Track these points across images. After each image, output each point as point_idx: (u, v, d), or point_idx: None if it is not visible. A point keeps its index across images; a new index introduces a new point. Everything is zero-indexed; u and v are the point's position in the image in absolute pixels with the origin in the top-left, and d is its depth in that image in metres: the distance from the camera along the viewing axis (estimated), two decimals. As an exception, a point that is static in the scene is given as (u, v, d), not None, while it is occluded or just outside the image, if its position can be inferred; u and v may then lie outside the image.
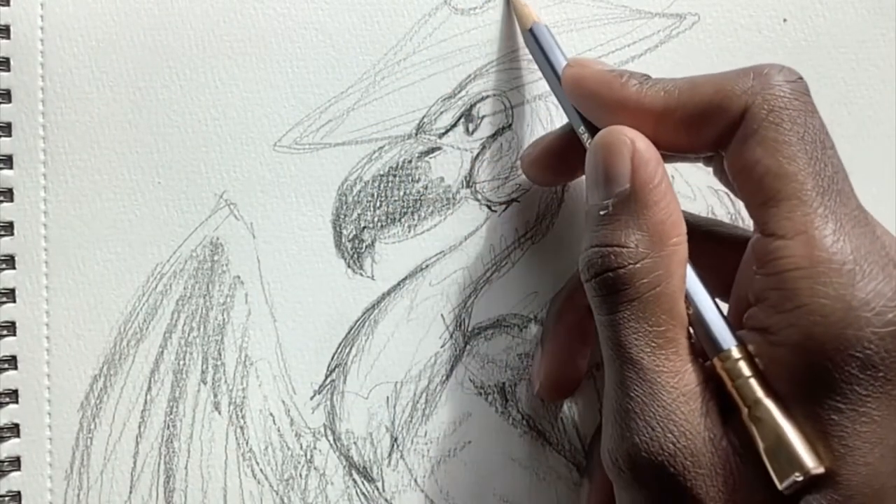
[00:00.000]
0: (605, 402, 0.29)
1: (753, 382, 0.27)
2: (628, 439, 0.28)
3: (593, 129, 0.31)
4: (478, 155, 0.37)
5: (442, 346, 0.36)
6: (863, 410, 0.25)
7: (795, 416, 0.26)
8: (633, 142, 0.29)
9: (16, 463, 0.33)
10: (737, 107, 0.28)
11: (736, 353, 0.27)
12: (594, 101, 0.31)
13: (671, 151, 0.30)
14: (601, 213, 0.29)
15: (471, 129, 0.37)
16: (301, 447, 0.35)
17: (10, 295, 0.34)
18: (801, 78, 0.29)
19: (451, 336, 0.37)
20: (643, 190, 0.28)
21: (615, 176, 0.29)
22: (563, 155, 0.34)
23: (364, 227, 0.36)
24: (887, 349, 0.25)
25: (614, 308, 0.28)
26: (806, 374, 0.26)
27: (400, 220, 0.36)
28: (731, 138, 0.28)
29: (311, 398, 0.36)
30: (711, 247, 0.32)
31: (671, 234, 0.28)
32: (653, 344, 0.27)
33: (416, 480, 0.36)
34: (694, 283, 0.29)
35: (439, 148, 0.36)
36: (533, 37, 0.34)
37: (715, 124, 0.29)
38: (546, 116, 0.37)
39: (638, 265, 0.28)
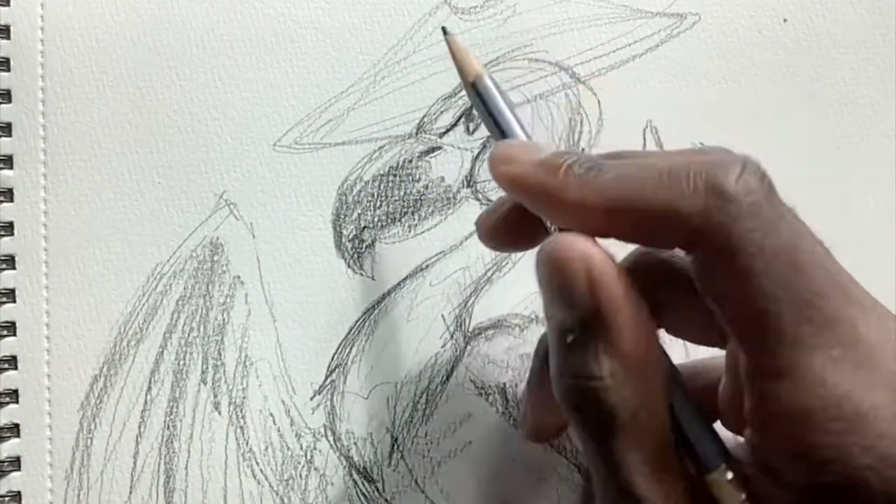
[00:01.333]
0: None
1: None
2: None
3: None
4: (478, 154, 0.37)
5: (442, 347, 0.36)
6: None
7: None
8: (586, 258, 0.25)
9: (16, 463, 0.33)
10: (687, 229, 0.24)
11: (728, 475, 0.26)
12: (532, 203, 0.27)
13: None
14: (567, 339, 0.26)
15: (471, 129, 0.37)
16: (301, 447, 0.35)
17: (10, 295, 0.34)
18: (763, 177, 0.25)
19: (452, 336, 0.37)
20: (607, 313, 0.25)
21: (573, 298, 0.25)
22: (520, 227, 0.29)
23: (364, 227, 0.36)
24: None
25: (603, 438, 0.25)
26: None
27: (400, 219, 0.36)
28: (689, 250, 0.25)
29: (312, 398, 0.35)
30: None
31: (647, 353, 0.25)
32: (644, 470, 0.25)
33: (416, 481, 0.36)
34: (678, 399, 0.27)
35: (440, 147, 0.36)
36: (476, 92, 0.30)
37: (666, 240, 0.26)
38: (546, 116, 0.37)
39: (618, 396, 0.25)
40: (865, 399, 0.23)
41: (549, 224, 0.28)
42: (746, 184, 0.24)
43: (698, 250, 0.25)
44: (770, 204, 0.25)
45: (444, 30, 0.31)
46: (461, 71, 0.30)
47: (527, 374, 0.34)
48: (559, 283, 0.26)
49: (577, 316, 0.25)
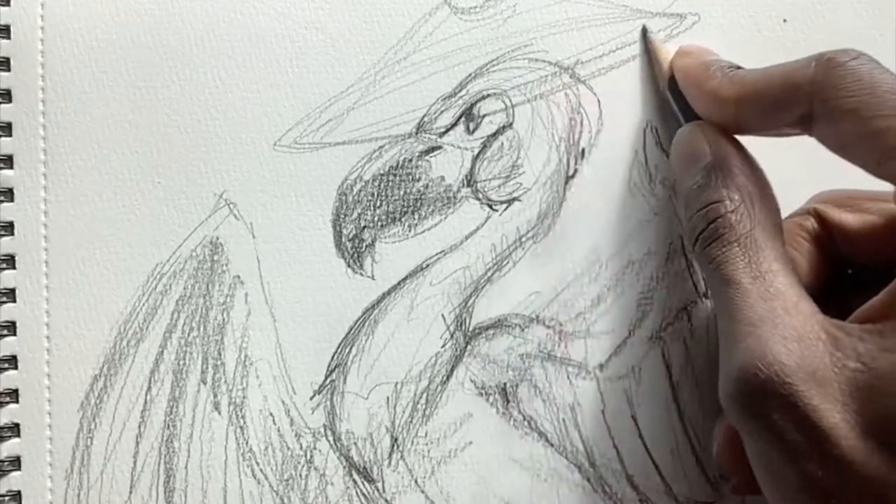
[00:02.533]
0: (720, 352, 0.31)
1: None
2: (735, 363, 0.29)
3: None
4: (478, 154, 0.37)
5: (443, 347, 0.36)
6: None
7: None
8: (708, 127, 0.34)
9: (16, 463, 0.33)
10: (804, 97, 0.30)
11: None
12: (689, 94, 0.35)
13: (756, 134, 0.33)
14: (695, 186, 0.33)
15: (471, 128, 0.37)
16: (301, 447, 0.35)
17: (10, 295, 0.34)
18: (864, 53, 0.30)
19: (452, 336, 0.37)
20: (723, 158, 0.32)
21: (698, 155, 0.33)
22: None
23: (364, 227, 0.36)
24: None
25: (717, 251, 0.31)
26: None
27: (400, 219, 0.36)
28: (810, 122, 0.30)
29: (311, 398, 0.35)
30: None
31: (757, 187, 0.32)
32: (754, 273, 0.30)
33: (416, 481, 0.36)
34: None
35: (440, 147, 0.36)
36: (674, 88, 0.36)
37: (789, 113, 0.31)
38: (547, 115, 0.37)
39: (732, 213, 0.31)
40: None
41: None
42: (847, 53, 0.30)
43: (818, 109, 0.29)
44: (866, 62, 0.29)
45: (644, 29, 0.38)
46: (661, 71, 0.37)
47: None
48: (687, 146, 0.34)
49: (703, 164, 0.33)
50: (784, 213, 0.34)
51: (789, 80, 0.30)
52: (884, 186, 0.30)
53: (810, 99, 0.30)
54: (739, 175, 0.32)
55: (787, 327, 0.28)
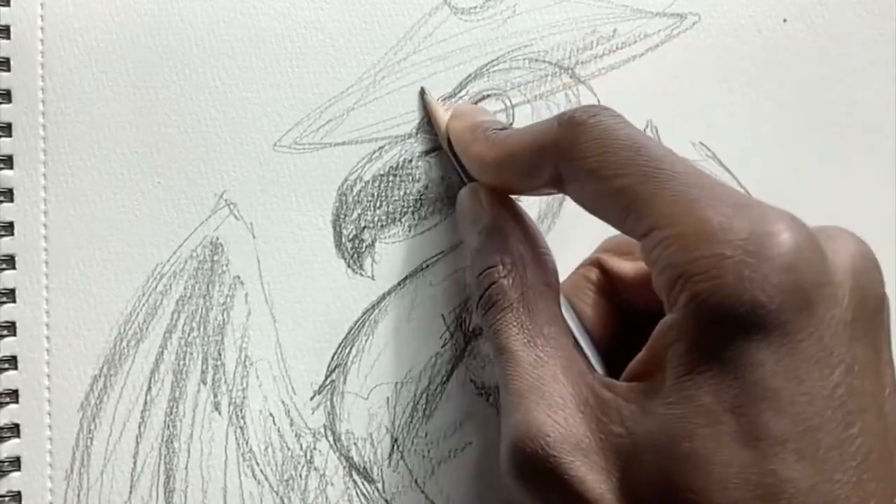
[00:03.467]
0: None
1: None
2: (507, 437, 0.29)
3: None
4: (478, 154, 0.37)
5: (443, 347, 0.36)
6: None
7: None
8: (485, 190, 0.33)
9: (16, 463, 0.33)
10: (551, 158, 0.30)
11: None
12: (461, 157, 0.34)
13: (519, 194, 0.33)
14: (475, 249, 0.33)
15: (471, 129, 0.36)
16: (301, 448, 0.35)
17: (10, 295, 0.34)
18: (605, 108, 0.30)
19: (452, 336, 0.37)
20: (497, 221, 0.32)
21: (476, 217, 0.33)
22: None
23: (364, 227, 0.36)
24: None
25: (493, 318, 0.31)
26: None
27: (400, 219, 0.36)
28: (561, 183, 0.30)
29: (311, 398, 0.35)
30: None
31: (531, 250, 0.32)
32: (526, 339, 0.30)
33: (416, 481, 0.36)
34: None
35: (440, 147, 0.36)
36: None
37: (541, 175, 0.30)
38: (547, 116, 0.37)
39: (504, 279, 0.31)
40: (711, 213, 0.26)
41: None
42: (587, 110, 0.29)
43: (563, 170, 0.29)
44: (609, 118, 0.29)
45: (422, 90, 0.36)
46: (438, 126, 0.36)
47: None
48: (469, 209, 0.34)
49: (480, 227, 0.33)
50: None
51: (537, 143, 0.30)
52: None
53: (556, 160, 0.29)
54: (511, 238, 0.32)
55: (553, 395, 0.28)
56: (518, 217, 0.33)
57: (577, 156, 0.29)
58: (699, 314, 0.26)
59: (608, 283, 0.34)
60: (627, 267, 0.34)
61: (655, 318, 0.28)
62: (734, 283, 0.25)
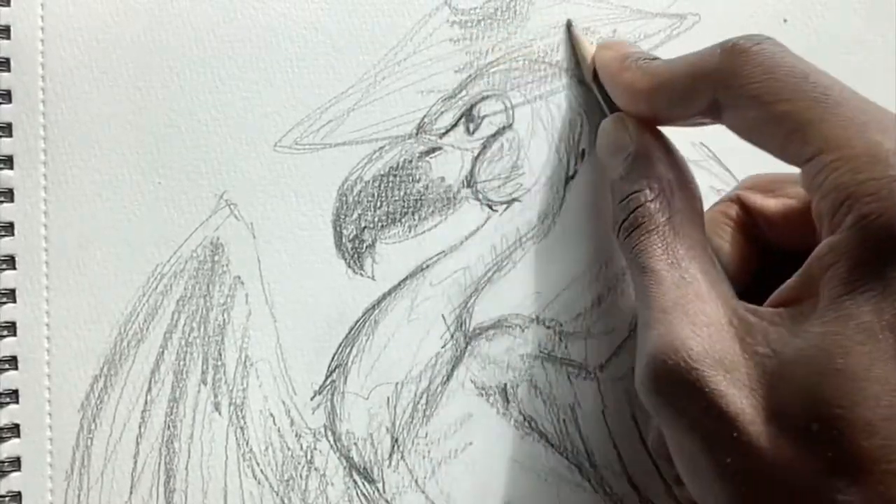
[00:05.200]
0: (637, 341, 0.31)
1: None
2: (647, 351, 0.29)
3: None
4: (479, 155, 0.37)
5: (443, 347, 0.36)
6: None
7: None
8: (630, 119, 0.34)
9: (16, 463, 0.33)
10: (710, 85, 0.30)
11: None
12: (608, 87, 0.35)
13: (669, 124, 0.34)
14: (618, 177, 0.33)
15: (471, 129, 0.37)
16: (301, 448, 0.35)
17: (10, 295, 0.34)
18: (769, 38, 0.30)
19: (452, 336, 0.37)
20: (643, 148, 0.33)
21: (620, 146, 0.34)
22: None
23: (364, 228, 0.36)
24: None
25: (637, 240, 0.31)
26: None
27: (400, 220, 0.36)
28: (719, 110, 0.30)
29: (312, 399, 0.35)
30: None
31: (676, 176, 0.32)
32: (670, 261, 0.30)
33: (416, 481, 0.36)
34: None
35: (440, 148, 0.36)
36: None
37: (697, 102, 0.31)
38: (547, 116, 0.37)
39: (651, 203, 0.31)
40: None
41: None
42: (751, 39, 0.30)
43: (723, 96, 0.30)
44: (772, 47, 0.29)
45: (569, 22, 0.37)
46: (585, 63, 0.37)
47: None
48: (613, 138, 0.34)
49: (625, 155, 0.33)
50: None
51: (696, 70, 0.31)
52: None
53: (716, 87, 0.30)
54: (659, 165, 0.32)
55: (698, 313, 0.29)
56: (665, 145, 0.33)
57: (740, 82, 0.29)
58: (865, 234, 0.26)
59: (748, 220, 0.34)
60: (771, 203, 0.34)
61: (794, 256, 0.28)
62: None
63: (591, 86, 0.36)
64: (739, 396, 0.27)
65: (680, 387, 0.28)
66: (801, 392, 0.26)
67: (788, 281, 0.29)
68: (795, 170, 0.29)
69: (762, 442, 0.26)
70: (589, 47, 0.36)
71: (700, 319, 0.28)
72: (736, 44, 0.30)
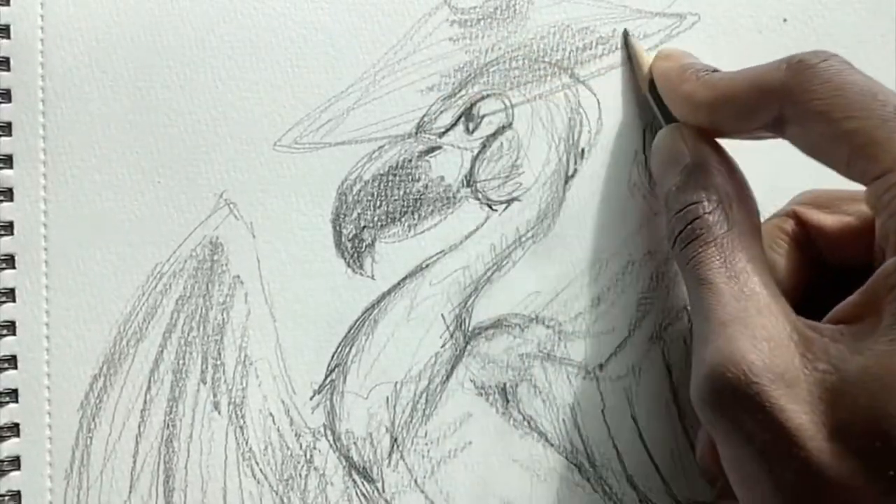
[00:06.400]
0: (693, 353, 0.30)
1: None
2: (705, 363, 0.29)
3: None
4: (478, 154, 0.37)
5: (442, 346, 0.36)
6: None
7: None
8: (687, 128, 0.34)
9: (16, 463, 0.33)
10: (775, 100, 0.30)
11: None
12: (666, 98, 0.35)
13: (731, 137, 0.33)
14: (674, 188, 0.33)
15: (471, 129, 0.37)
16: (301, 447, 0.35)
17: (10, 295, 0.34)
18: (835, 55, 0.30)
19: (452, 336, 0.37)
20: (701, 160, 0.33)
21: (677, 157, 0.33)
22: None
23: (364, 227, 0.36)
24: None
25: (694, 252, 0.31)
26: None
27: (400, 219, 0.36)
28: (782, 125, 0.30)
29: (311, 398, 0.35)
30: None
31: (735, 188, 0.32)
32: (729, 274, 0.30)
33: (416, 481, 0.36)
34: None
35: (439, 147, 0.36)
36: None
37: (761, 116, 0.31)
38: (546, 115, 0.37)
39: (710, 214, 0.31)
40: None
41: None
42: (817, 55, 0.29)
43: (789, 112, 0.29)
44: (838, 64, 0.29)
45: (626, 32, 0.38)
46: (641, 74, 0.37)
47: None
48: (668, 148, 0.34)
49: (682, 166, 0.33)
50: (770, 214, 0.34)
51: (761, 84, 0.31)
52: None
53: (781, 102, 0.30)
54: (717, 176, 0.32)
55: (757, 327, 0.28)
56: (724, 157, 0.33)
57: (806, 97, 0.29)
58: None
59: (804, 236, 0.34)
60: (828, 220, 0.34)
61: (851, 273, 0.29)
62: None
63: (647, 96, 0.36)
64: (800, 412, 0.27)
65: (739, 401, 0.27)
66: (864, 409, 0.26)
67: (850, 298, 0.29)
68: (852, 186, 0.29)
69: (823, 458, 0.26)
70: (646, 57, 0.36)
71: (760, 333, 0.28)
72: (802, 59, 0.30)
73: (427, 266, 0.36)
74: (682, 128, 0.34)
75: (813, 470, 0.26)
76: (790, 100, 0.29)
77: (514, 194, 0.37)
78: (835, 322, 0.29)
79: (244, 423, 0.35)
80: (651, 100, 0.36)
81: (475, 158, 0.37)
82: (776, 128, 0.30)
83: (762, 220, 0.33)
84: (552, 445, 0.37)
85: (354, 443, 0.36)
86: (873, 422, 0.26)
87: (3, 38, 0.34)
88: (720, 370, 0.28)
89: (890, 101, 0.28)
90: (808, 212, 0.34)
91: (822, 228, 0.34)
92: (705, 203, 0.31)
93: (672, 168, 0.33)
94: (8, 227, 0.34)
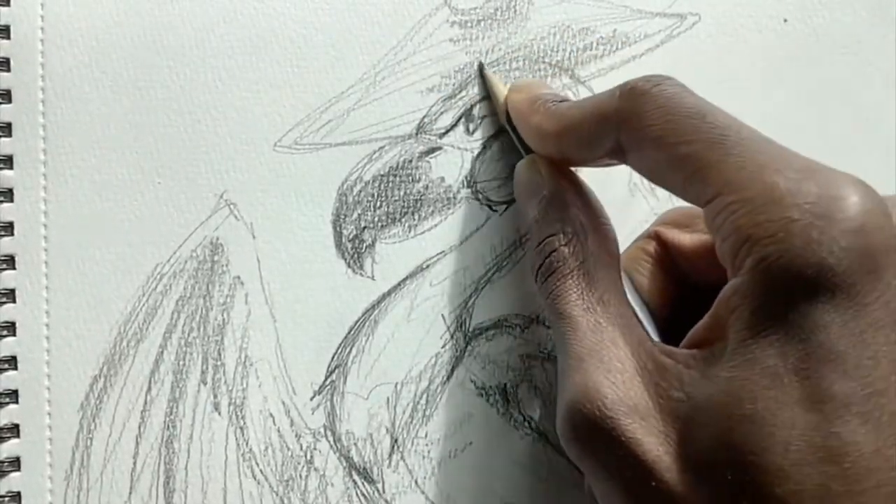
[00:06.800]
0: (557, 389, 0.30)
1: None
2: (564, 399, 0.29)
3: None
4: (478, 154, 0.37)
5: (443, 347, 0.36)
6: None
7: None
8: (543, 160, 0.34)
9: (16, 463, 0.33)
10: (612, 128, 0.30)
11: None
12: (520, 129, 0.35)
13: (581, 165, 0.34)
14: (534, 221, 0.33)
15: (471, 129, 0.37)
16: (301, 448, 0.35)
17: (10, 295, 0.34)
18: (668, 78, 0.29)
19: (452, 336, 0.37)
20: (556, 191, 0.33)
21: (535, 188, 0.33)
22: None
23: (364, 228, 0.36)
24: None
25: (553, 285, 0.31)
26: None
27: (400, 220, 0.36)
28: (623, 152, 0.30)
29: (311, 399, 0.35)
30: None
31: (589, 218, 0.32)
32: (585, 306, 0.30)
33: (416, 482, 0.36)
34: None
35: (440, 148, 0.36)
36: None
37: (602, 145, 0.30)
38: (547, 116, 0.37)
39: (565, 246, 0.31)
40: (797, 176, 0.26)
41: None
42: (649, 80, 0.29)
43: (625, 139, 0.29)
44: (672, 87, 0.29)
45: (480, 65, 0.37)
46: (498, 103, 0.36)
47: None
48: (528, 181, 0.34)
49: (540, 198, 0.33)
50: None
51: (598, 112, 0.30)
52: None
53: (617, 130, 0.30)
54: (572, 208, 0.32)
55: (612, 360, 0.28)
56: (578, 187, 0.33)
57: (640, 125, 0.29)
58: (765, 277, 0.26)
59: (666, 256, 0.34)
60: (686, 239, 0.34)
61: (713, 290, 0.28)
62: (801, 245, 0.25)
63: (507, 127, 0.36)
64: (655, 444, 0.27)
65: (597, 435, 0.27)
66: (714, 439, 0.26)
67: (700, 322, 0.28)
68: None
69: (680, 489, 0.26)
70: (502, 89, 0.36)
71: (615, 366, 0.28)
72: (634, 86, 0.29)
73: (427, 267, 0.36)
74: (537, 159, 0.34)
75: (672, 502, 0.26)
76: (625, 127, 0.29)
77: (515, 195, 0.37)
78: (690, 346, 0.28)
79: (244, 423, 0.35)
80: (510, 131, 0.36)
81: (475, 159, 0.37)
82: (618, 155, 0.30)
83: None
84: (553, 446, 0.37)
85: (355, 443, 0.36)
86: (723, 452, 0.25)
87: (3, 38, 0.34)
88: (577, 406, 0.28)
89: (718, 123, 0.28)
90: (668, 232, 0.34)
91: (681, 248, 0.34)
92: (560, 236, 0.31)
93: (531, 200, 0.33)
94: (8, 228, 0.34)
